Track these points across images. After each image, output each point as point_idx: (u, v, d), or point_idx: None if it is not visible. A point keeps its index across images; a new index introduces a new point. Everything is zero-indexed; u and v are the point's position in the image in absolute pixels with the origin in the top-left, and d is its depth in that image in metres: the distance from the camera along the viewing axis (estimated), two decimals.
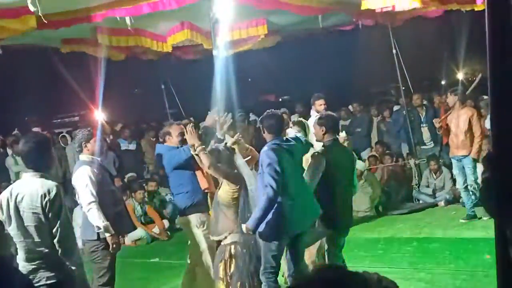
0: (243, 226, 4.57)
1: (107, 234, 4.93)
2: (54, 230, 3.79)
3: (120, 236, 5.36)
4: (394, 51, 10.44)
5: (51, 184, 3.85)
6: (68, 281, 3.87)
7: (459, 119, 7.99)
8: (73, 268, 3.89)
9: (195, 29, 8.40)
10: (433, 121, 9.67)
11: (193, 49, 10.13)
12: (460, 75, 14.09)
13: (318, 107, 8.10)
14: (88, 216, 4.92)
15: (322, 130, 5.10)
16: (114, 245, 4.98)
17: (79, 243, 4.84)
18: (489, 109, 1.51)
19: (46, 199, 3.77)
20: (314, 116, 8.00)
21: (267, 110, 4.97)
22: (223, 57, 7.89)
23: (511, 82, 1.46)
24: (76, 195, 5.24)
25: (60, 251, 3.81)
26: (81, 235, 5.23)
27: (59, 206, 3.82)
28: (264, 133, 4.84)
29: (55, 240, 3.79)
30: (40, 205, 3.77)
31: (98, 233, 4.97)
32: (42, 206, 3.77)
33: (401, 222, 8.52)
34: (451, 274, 5.93)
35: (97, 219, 4.90)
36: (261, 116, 4.94)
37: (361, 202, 9.20)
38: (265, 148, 4.71)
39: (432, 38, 15.98)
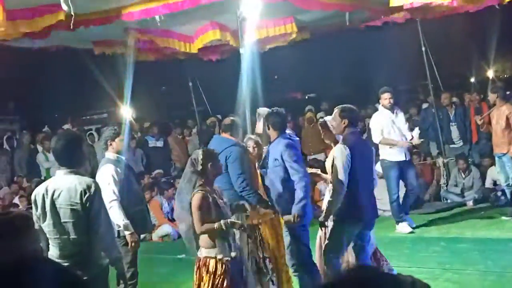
0: (289, 217, 4.92)
1: (126, 232, 4.99)
2: (95, 226, 3.81)
3: (147, 233, 5.43)
4: (423, 48, 10.31)
5: (89, 181, 3.88)
6: (100, 278, 3.90)
7: (499, 117, 7.95)
8: (106, 264, 3.94)
9: (223, 28, 8.43)
10: (475, 117, 9.56)
11: (220, 48, 10.17)
12: (490, 73, 13.84)
13: (384, 100, 7.93)
14: (109, 213, 4.97)
15: (344, 123, 5.09)
16: (133, 243, 5.04)
17: None
18: None
19: (87, 195, 3.78)
20: (380, 110, 8.03)
21: (272, 108, 5.28)
22: (250, 55, 7.90)
23: None
24: None
25: (101, 246, 3.85)
26: None
27: (99, 202, 3.85)
28: (268, 129, 5.15)
29: (97, 235, 3.82)
30: (80, 201, 3.78)
31: (118, 231, 5.03)
32: (82, 202, 3.78)
33: (429, 221, 8.42)
34: (480, 275, 5.85)
35: (118, 217, 4.96)
36: (266, 114, 5.26)
37: (387, 201, 9.11)
38: (283, 141, 5.03)
39: (462, 35, 15.73)
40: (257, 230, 5.33)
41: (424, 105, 12.03)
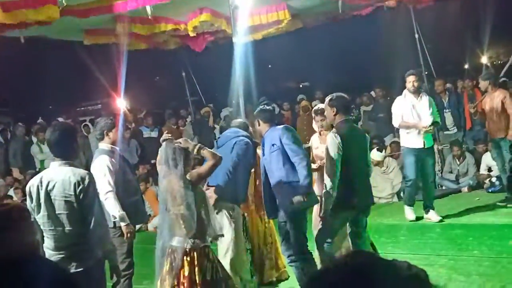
0: (298, 198, 4.83)
1: (122, 224, 4.96)
2: (88, 218, 3.81)
3: (142, 224, 5.41)
4: (416, 35, 10.31)
5: (83, 173, 3.88)
6: (95, 269, 3.90)
7: (493, 102, 7.97)
8: (101, 256, 3.94)
9: (215, 14, 8.39)
10: (468, 106, 9.55)
11: (212, 36, 10.13)
12: (484, 59, 13.84)
13: (408, 84, 7.54)
14: (105, 205, 4.96)
15: (333, 111, 5.12)
16: (128, 234, 5.02)
17: None
18: None
19: (80, 187, 3.79)
20: (404, 94, 7.65)
21: (260, 106, 5.39)
22: (243, 44, 7.87)
23: None
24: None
25: (93, 238, 3.84)
26: None
27: (93, 194, 3.86)
28: (259, 125, 5.24)
29: (90, 227, 3.81)
30: (73, 193, 3.79)
31: (114, 221, 5.02)
32: (76, 194, 3.79)
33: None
34: (475, 261, 5.87)
35: (114, 209, 4.94)
36: (256, 111, 5.38)
37: (383, 189, 9.16)
38: (279, 127, 5.12)
39: (455, 22, 15.70)
40: (243, 221, 5.43)
41: None
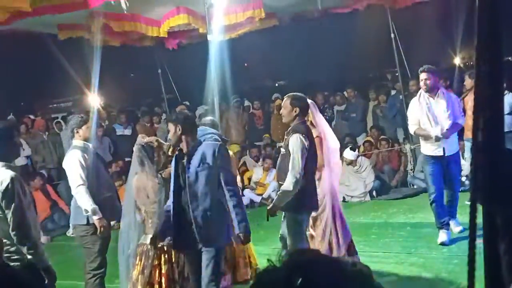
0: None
1: (95, 217, 4.94)
2: (8, 219, 3.84)
3: (116, 222, 5.38)
4: (392, 35, 10.40)
5: (5, 175, 3.88)
6: (27, 270, 3.90)
7: None
8: (30, 257, 3.91)
9: (191, 13, 8.35)
10: None
11: (187, 33, 10.08)
12: (457, 60, 14.05)
13: (420, 82, 6.59)
14: (77, 199, 4.95)
15: (295, 111, 4.94)
16: (102, 228, 4.98)
17: (70, 228, 4.85)
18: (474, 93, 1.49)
19: None
20: (418, 94, 6.69)
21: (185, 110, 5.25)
22: (219, 42, 7.84)
23: (498, 64, 1.45)
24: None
25: (15, 239, 3.86)
26: (72, 220, 5.25)
27: (11, 196, 3.85)
28: (175, 132, 4.39)
29: (9, 229, 3.84)
30: None
31: (87, 218, 4.98)
32: None
33: (395, 207, 8.55)
34: (444, 259, 5.98)
35: (85, 202, 4.91)
36: (174, 115, 4.89)
37: (355, 188, 9.24)
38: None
39: (430, 22, 15.91)
40: None
41: (392, 92, 12.16)
